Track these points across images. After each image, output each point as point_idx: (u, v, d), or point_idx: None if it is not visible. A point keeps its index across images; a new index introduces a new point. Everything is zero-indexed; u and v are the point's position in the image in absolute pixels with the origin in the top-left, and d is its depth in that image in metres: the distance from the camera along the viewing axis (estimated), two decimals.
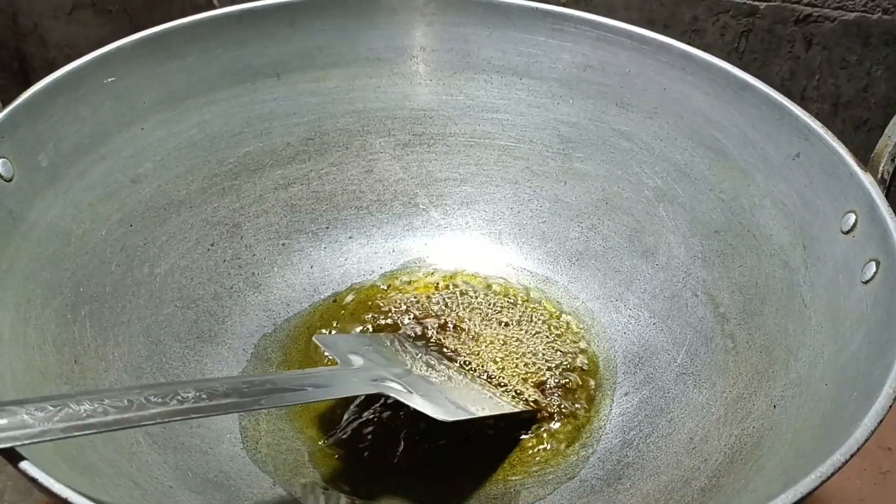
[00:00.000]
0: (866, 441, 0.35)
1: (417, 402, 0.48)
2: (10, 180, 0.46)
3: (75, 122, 0.51)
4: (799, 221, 0.51)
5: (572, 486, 0.49)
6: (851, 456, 0.35)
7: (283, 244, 0.61)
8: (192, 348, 0.54)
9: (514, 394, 0.54)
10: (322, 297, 0.60)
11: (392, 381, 0.49)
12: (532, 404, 0.53)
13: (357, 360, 0.49)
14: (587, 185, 0.61)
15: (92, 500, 0.32)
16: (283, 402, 0.44)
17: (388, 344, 0.54)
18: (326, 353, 0.54)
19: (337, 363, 0.49)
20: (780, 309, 0.50)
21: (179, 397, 0.38)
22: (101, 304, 0.51)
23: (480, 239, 0.63)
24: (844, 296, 0.46)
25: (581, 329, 0.58)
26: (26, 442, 0.33)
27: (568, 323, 0.59)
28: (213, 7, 0.63)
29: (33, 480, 0.33)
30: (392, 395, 0.48)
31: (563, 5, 0.66)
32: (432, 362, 0.54)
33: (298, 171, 0.62)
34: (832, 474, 0.34)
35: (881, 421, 0.36)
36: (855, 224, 0.47)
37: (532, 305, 0.60)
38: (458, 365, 0.55)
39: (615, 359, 0.56)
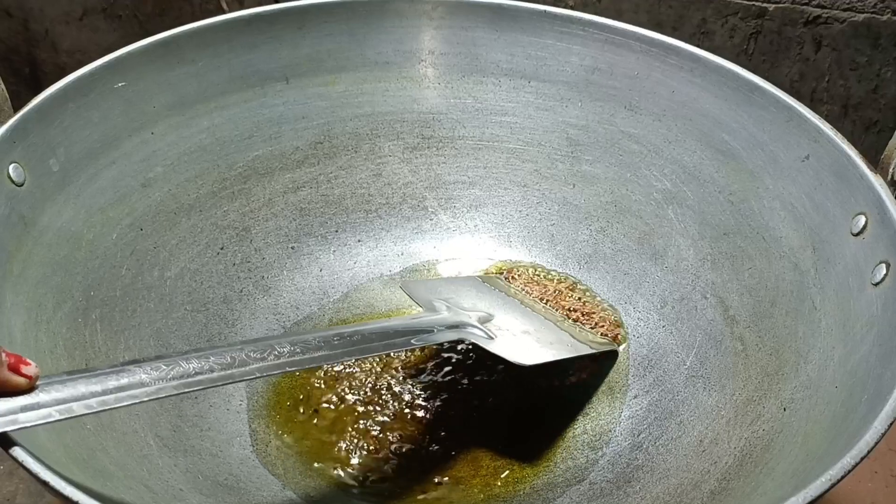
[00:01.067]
0: (877, 444, 0.35)
1: (497, 347, 0.49)
2: (21, 185, 0.46)
3: (86, 126, 0.51)
4: (809, 224, 0.51)
5: (581, 488, 0.49)
6: (862, 458, 0.35)
7: (292, 247, 0.61)
8: None
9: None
10: (331, 299, 0.60)
11: (474, 326, 0.50)
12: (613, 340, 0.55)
13: (440, 307, 0.51)
14: (596, 188, 0.61)
15: (103, 502, 0.32)
16: (371, 352, 0.46)
17: (475, 286, 0.56)
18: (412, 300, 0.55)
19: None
20: (790, 311, 0.50)
21: (276, 352, 0.41)
22: (112, 308, 0.51)
23: (489, 242, 0.63)
24: (855, 298, 0.46)
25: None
26: (145, 399, 0.36)
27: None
28: (223, 12, 0.63)
29: (45, 484, 0.33)
30: (474, 340, 0.49)
31: (571, 8, 0.66)
32: (516, 304, 0.56)
33: (307, 174, 0.62)
34: (843, 477, 0.34)
35: (892, 423, 0.36)
36: (865, 226, 0.46)
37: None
38: (542, 306, 0.57)
39: (625, 361, 0.56)
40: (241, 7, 0.58)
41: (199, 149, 0.58)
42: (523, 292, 0.58)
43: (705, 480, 0.46)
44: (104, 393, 0.35)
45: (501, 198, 0.64)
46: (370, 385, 0.54)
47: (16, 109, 0.48)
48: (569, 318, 0.57)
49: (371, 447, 0.51)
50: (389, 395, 0.54)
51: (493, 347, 0.49)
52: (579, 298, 0.59)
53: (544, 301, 0.58)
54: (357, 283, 0.61)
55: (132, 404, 0.36)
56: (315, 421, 0.52)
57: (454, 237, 0.63)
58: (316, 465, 0.50)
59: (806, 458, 0.41)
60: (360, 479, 0.49)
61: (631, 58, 0.59)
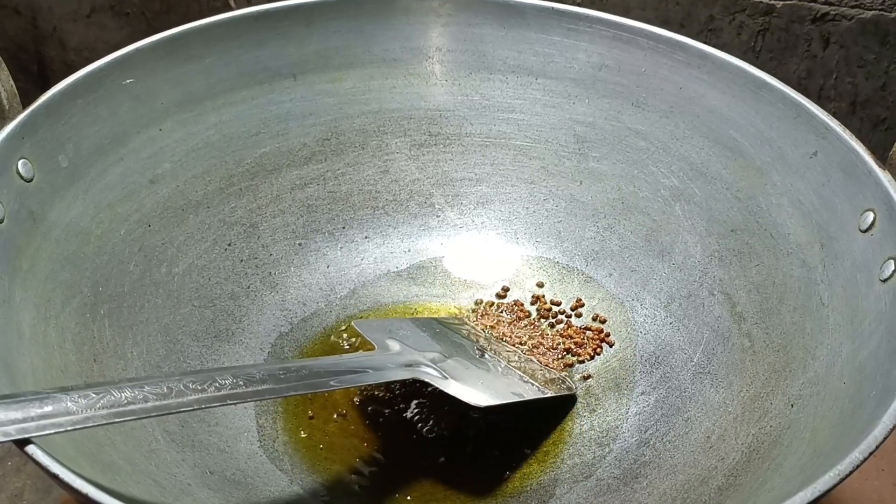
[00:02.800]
0: (885, 439, 0.35)
1: (452, 388, 0.48)
2: (30, 181, 0.47)
3: (94, 123, 0.51)
4: (816, 220, 0.50)
5: (589, 484, 0.49)
6: (870, 454, 0.35)
7: (299, 244, 0.61)
8: (210, 347, 0.54)
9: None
10: (338, 296, 0.60)
11: (428, 365, 0.49)
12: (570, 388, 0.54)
13: (394, 345, 0.50)
14: (603, 185, 0.61)
15: (112, 496, 0.32)
16: (319, 388, 0.44)
17: (428, 327, 0.54)
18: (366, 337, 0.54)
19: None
20: (798, 308, 0.50)
21: (217, 384, 0.40)
22: (120, 304, 0.51)
23: (496, 238, 0.63)
24: (863, 294, 0.45)
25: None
26: (70, 428, 0.34)
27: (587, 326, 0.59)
28: (230, 9, 0.63)
29: (55, 477, 0.33)
30: (427, 379, 0.48)
31: (579, 5, 0.66)
32: (472, 345, 0.55)
33: (315, 171, 0.62)
34: (850, 472, 0.34)
35: None
36: (873, 222, 0.46)
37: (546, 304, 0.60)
38: (502, 347, 0.56)
39: (632, 358, 0.56)
40: (249, 4, 0.58)
41: (206, 145, 0.58)
42: (482, 334, 0.57)
43: (713, 476, 0.46)
44: (24, 420, 0.33)
45: (508, 195, 0.64)
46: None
47: (24, 106, 0.48)
48: (528, 357, 0.56)
49: (378, 442, 0.51)
50: (399, 392, 0.54)
51: (448, 387, 0.48)
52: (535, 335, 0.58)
53: (504, 339, 0.58)
54: (364, 280, 0.61)
55: (56, 433, 0.34)
56: (322, 417, 0.52)
57: (461, 234, 0.64)
58: (322, 460, 0.50)
59: (814, 453, 0.41)
60: (366, 474, 0.49)
61: (638, 54, 0.59)
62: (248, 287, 0.58)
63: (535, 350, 0.57)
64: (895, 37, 0.72)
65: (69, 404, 0.35)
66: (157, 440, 0.46)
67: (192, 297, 0.55)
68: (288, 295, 0.59)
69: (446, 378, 0.49)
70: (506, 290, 0.61)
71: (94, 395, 0.36)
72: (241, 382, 0.40)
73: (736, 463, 0.46)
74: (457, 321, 0.58)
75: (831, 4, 0.72)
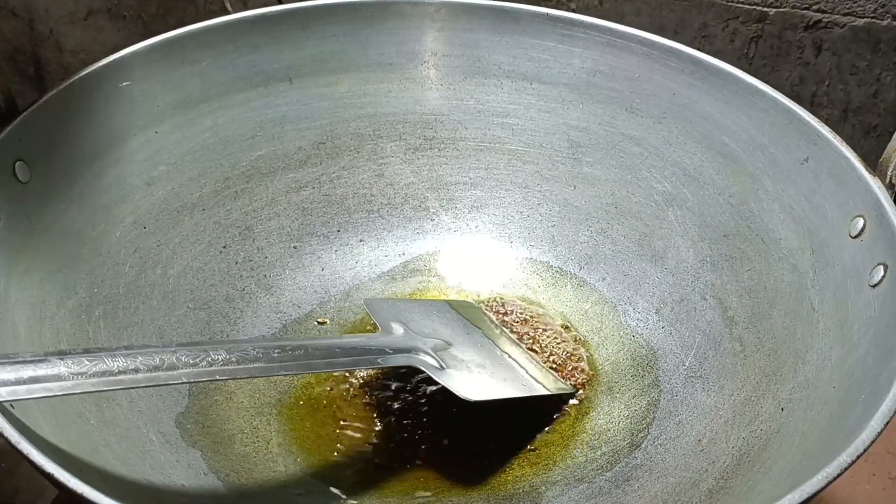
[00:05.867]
0: (872, 443, 0.36)
1: (446, 379, 0.48)
2: (27, 183, 0.47)
3: (90, 125, 0.52)
4: (807, 226, 0.51)
5: (580, 487, 0.49)
6: (858, 457, 0.35)
7: (294, 247, 0.61)
8: None
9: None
10: (333, 298, 0.60)
11: (427, 353, 0.48)
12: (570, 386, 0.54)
13: (398, 329, 0.50)
14: (596, 190, 0.62)
15: (106, 496, 0.33)
16: (313, 370, 0.44)
17: (441, 312, 0.54)
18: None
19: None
20: (789, 312, 0.50)
21: (210, 358, 0.39)
22: (115, 305, 0.51)
23: (490, 242, 0.64)
24: (852, 299, 0.46)
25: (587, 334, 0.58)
26: (59, 394, 0.35)
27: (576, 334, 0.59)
28: (227, 12, 0.63)
29: (49, 476, 0.33)
30: (422, 367, 0.48)
31: (573, 11, 0.66)
32: (478, 335, 0.54)
33: (310, 174, 0.62)
34: (838, 475, 0.34)
35: (888, 423, 0.36)
36: (863, 228, 0.47)
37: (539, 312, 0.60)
38: (510, 340, 0.56)
39: (624, 361, 0.56)
40: (246, 7, 0.58)
41: (202, 148, 0.58)
42: (495, 325, 0.57)
43: (703, 479, 0.46)
44: (16, 382, 0.34)
45: (503, 199, 0.64)
46: (372, 382, 0.54)
47: (21, 109, 0.48)
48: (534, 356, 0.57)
49: (369, 443, 0.51)
50: (391, 390, 0.54)
51: (441, 378, 0.48)
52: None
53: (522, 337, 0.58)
54: (358, 283, 0.61)
55: (44, 397, 0.35)
56: (317, 418, 0.53)
57: (455, 238, 0.64)
58: (316, 462, 0.50)
59: (803, 457, 0.41)
60: (358, 477, 0.50)
61: (632, 60, 0.59)
62: (243, 289, 0.58)
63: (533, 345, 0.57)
64: (887, 44, 0.72)
65: (62, 369, 0.35)
66: (152, 441, 0.47)
67: (187, 299, 0.55)
68: (283, 297, 0.59)
69: (442, 368, 0.48)
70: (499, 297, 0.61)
71: (87, 362, 0.36)
72: (233, 359, 0.40)
73: (726, 466, 0.46)
74: (471, 307, 0.58)
75: (824, 12, 0.72)
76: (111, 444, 0.43)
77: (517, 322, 0.59)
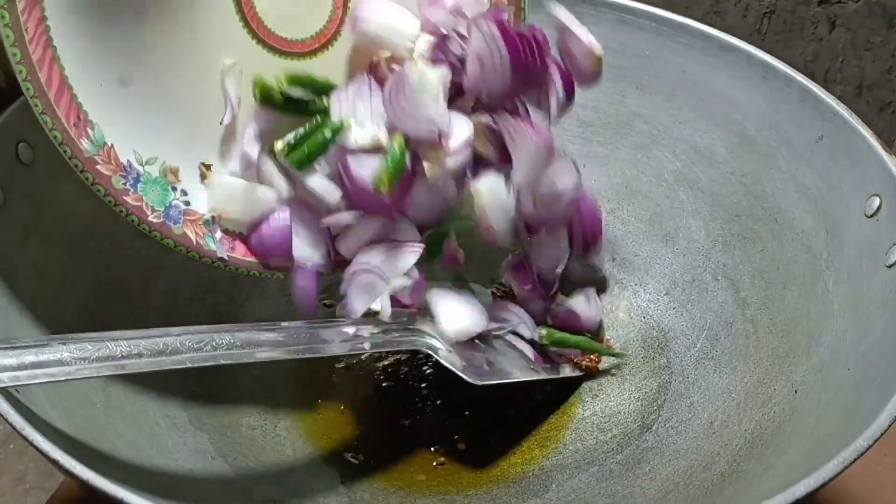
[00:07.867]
0: (889, 426, 0.35)
1: (454, 362, 0.47)
2: (29, 164, 0.46)
3: None
4: (822, 205, 0.50)
5: (591, 470, 0.49)
6: (875, 441, 0.35)
7: None
8: None
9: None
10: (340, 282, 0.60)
11: (433, 337, 0.48)
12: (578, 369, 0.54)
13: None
14: (606, 169, 0.61)
15: (112, 481, 0.32)
16: (320, 353, 0.44)
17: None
18: None
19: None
20: (802, 293, 0.50)
21: (214, 342, 0.39)
22: (120, 288, 0.51)
23: None
24: (868, 280, 0.45)
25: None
26: (62, 379, 0.35)
27: None
28: None
29: (55, 462, 0.33)
30: (429, 351, 0.47)
31: None
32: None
33: None
34: (855, 460, 0.34)
35: None
36: (879, 207, 0.46)
37: None
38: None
39: (635, 343, 0.56)
40: None
41: None
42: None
43: (715, 462, 0.46)
44: (18, 367, 0.34)
45: None
46: (379, 365, 0.54)
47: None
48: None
49: (375, 426, 0.51)
50: (399, 374, 0.54)
51: (449, 362, 0.47)
52: None
53: None
54: None
55: (47, 382, 0.35)
56: (324, 402, 0.52)
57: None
58: (323, 445, 0.50)
59: (817, 440, 0.40)
60: (365, 457, 0.50)
61: (642, 37, 0.58)
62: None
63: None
64: None
65: (64, 354, 0.35)
66: (159, 425, 0.46)
67: (193, 281, 0.55)
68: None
69: (450, 352, 0.48)
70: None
71: (90, 347, 0.36)
72: (238, 343, 0.40)
73: (739, 449, 0.46)
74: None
75: None
76: (118, 428, 0.43)
77: None
